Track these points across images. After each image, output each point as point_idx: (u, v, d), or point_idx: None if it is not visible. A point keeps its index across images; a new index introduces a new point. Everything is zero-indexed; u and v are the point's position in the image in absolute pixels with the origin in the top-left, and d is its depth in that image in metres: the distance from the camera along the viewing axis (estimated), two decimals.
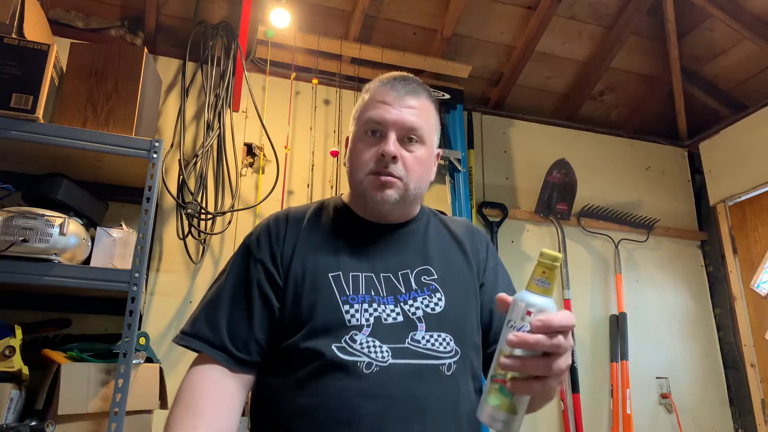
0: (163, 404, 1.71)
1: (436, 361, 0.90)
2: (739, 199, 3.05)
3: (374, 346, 0.89)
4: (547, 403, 0.95)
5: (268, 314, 0.95)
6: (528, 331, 0.67)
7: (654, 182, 3.24)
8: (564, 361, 0.69)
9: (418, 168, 0.99)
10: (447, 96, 2.80)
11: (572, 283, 2.83)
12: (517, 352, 0.67)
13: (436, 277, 0.99)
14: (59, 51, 1.83)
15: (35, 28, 1.88)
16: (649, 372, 2.85)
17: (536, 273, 0.69)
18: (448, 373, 0.91)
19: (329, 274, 0.95)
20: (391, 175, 0.96)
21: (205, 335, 0.95)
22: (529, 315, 0.67)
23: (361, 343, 0.88)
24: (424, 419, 0.86)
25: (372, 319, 0.91)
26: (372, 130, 0.98)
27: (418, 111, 0.99)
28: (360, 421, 0.84)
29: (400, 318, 0.92)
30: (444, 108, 2.83)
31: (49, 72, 1.71)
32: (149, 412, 1.66)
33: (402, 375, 0.87)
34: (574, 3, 2.83)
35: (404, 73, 1.06)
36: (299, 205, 1.11)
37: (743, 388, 2.89)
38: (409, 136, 0.98)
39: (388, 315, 0.92)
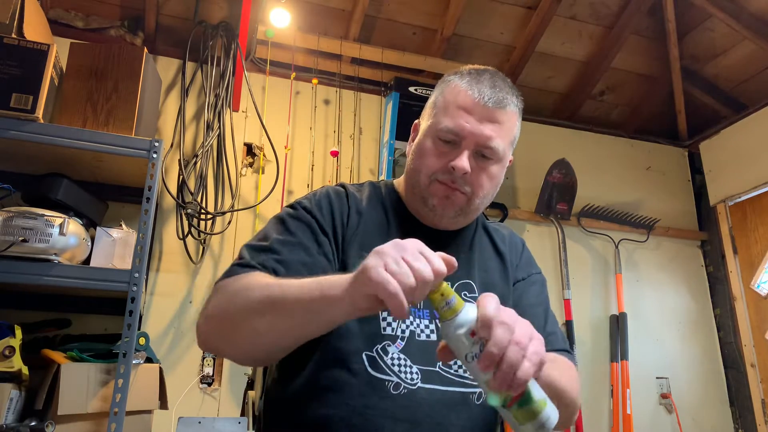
0: (163, 404, 1.71)
1: (465, 389, 0.87)
2: (739, 199, 3.05)
3: (405, 366, 0.85)
4: (570, 394, 0.85)
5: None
6: (483, 347, 0.63)
7: (654, 182, 3.24)
8: (528, 334, 0.64)
9: (487, 185, 0.93)
10: None
11: (572, 283, 2.83)
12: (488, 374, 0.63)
13: (476, 295, 0.94)
14: (59, 51, 1.83)
15: (35, 28, 1.88)
16: (649, 372, 2.84)
17: (439, 303, 0.65)
18: (477, 403, 0.88)
19: None
20: (458, 189, 0.91)
21: (264, 265, 0.83)
22: (473, 335, 0.64)
23: (392, 358, 0.85)
24: None
25: (407, 332, 0.87)
26: (447, 141, 0.91)
27: (500, 127, 0.92)
28: None
29: (434, 336, 0.88)
30: None
31: (49, 72, 1.71)
32: (149, 412, 1.66)
33: (430, 401, 0.84)
34: (574, 3, 2.83)
35: (496, 72, 0.98)
36: (348, 183, 1.04)
37: (743, 388, 2.89)
38: (483, 153, 0.92)
39: (422, 331, 0.88)
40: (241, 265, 0.83)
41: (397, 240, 0.66)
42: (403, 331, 0.87)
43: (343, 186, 0.99)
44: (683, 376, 2.90)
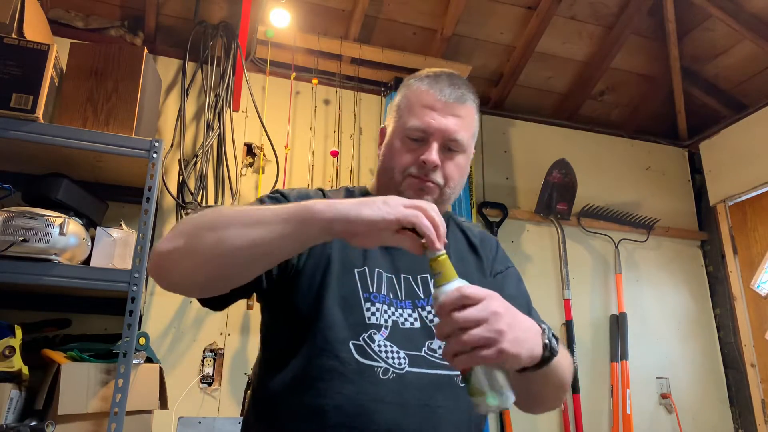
0: (163, 404, 1.71)
1: (451, 372, 0.90)
2: (739, 199, 3.05)
3: (392, 352, 0.88)
4: (554, 381, 0.87)
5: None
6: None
7: (654, 182, 3.24)
8: (485, 330, 0.68)
9: (455, 175, 0.99)
10: None
11: (572, 283, 2.83)
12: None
13: None
14: (59, 51, 1.83)
15: (35, 28, 1.88)
16: (649, 372, 2.85)
17: (435, 270, 0.74)
18: (462, 385, 0.89)
19: (356, 270, 0.93)
20: (430, 181, 0.96)
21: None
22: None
23: (379, 345, 0.87)
24: (438, 429, 0.86)
25: (390, 322, 0.90)
26: (415, 138, 0.97)
27: (462, 120, 0.98)
28: (373, 427, 0.82)
29: (417, 324, 0.92)
30: None
31: (49, 72, 1.71)
32: (149, 412, 1.66)
33: (418, 384, 0.87)
34: (574, 3, 2.83)
35: (452, 72, 1.03)
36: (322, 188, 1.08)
37: (743, 388, 2.89)
38: (450, 147, 0.98)
39: (405, 319, 0.92)
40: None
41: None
42: (386, 321, 0.90)
43: (320, 189, 1.04)
44: (683, 376, 2.90)
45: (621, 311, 2.83)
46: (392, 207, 0.73)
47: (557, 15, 2.82)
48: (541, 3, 2.75)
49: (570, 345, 2.72)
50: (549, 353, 0.77)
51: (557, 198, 2.90)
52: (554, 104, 3.24)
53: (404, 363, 0.87)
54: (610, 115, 3.33)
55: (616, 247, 3.00)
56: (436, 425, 0.86)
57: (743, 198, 3.02)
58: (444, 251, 0.74)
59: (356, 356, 0.86)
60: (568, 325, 2.75)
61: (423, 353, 0.90)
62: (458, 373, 0.87)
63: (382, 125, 1.07)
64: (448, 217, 1.09)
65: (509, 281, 1.08)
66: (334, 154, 2.55)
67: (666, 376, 2.87)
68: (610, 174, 3.17)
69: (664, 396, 2.82)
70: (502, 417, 2.51)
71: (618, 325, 2.81)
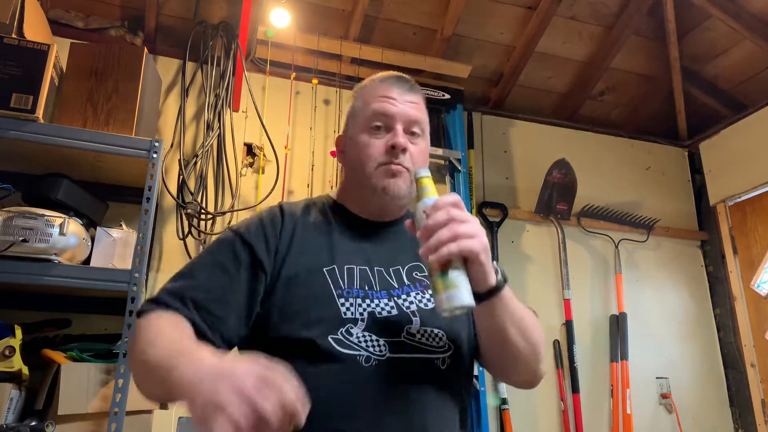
0: (163, 404, 1.71)
1: (431, 356, 0.92)
2: (739, 199, 3.05)
3: (371, 340, 0.89)
4: (518, 325, 0.92)
5: (249, 296, 0.91)
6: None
7: (654, 182, 3.24)
8: (466, 227, 0.80)
9: (420, 159, 1.01)
10: (447, 96, 2.80)
11: (572, 283, 2.83)
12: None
13: (426, 274, 1.00)
14: (59, 51, 1.83)
15: (35, 28, 1.88)
16: (649, 372, 2.85)
17: (419, 188, 0.87)
18: (443, 368, 0.93)
19: (324, 269, 0.95)
20: (401, 165, 0.98)
21: (170, 303, 0.87)
22: (425, 214, 0.83)
23: (357, 337, 0.89)
24: (423, 412, 0.87)
25: (366, 314, 0.91)
26: (377, 125, 1.01)
27: (418, 106, 1.04)
28: (361, 414, 0.84)
29: (395, 311, 0.94)
30: (444, 108, 2.83)
31: (49, 72, 1.72)
32: (149, 412, 1.66)
33: (400, 369, 0.88)
34: (574, 3, 2.83)
35: (398, 72, 1.08)
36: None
37: (743, 388, 2.89)
38: (412, 130, 1.01)
39: (382, 309, 0.93)
40: (151, 301, 0.89)
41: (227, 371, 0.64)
42: (361, 314, 0.91)
43: (278, 204, 1.06)
44: (683, 376, 2.90)
45: (621, 311, 2.83)
46: (232, 403, 0.60)
47: (557, 15, 2.82)
48: (541, 3, 2.75)
49: (570, 345, 2.72)
50: (502, 277, 0.86)
51: (557, 198, 2.90)
52: (554, 104, 3.24)
53: (385, 350, 0.89)
54: (610, 115, 3.33)
55: (616, 247, 3.00)
56: (422, 408, 0.87)
57: (743, 198, 3.02)
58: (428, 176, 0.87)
59: (337, 348, 0.87)
60: (568, 325, 2.75)
61: (402, 338, 0.91)
62: (438, 356, 0.92)
63: (338, 135, 1.11)
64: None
65: None
66: (334, 154, 2.54)
67: (666, 376, 2.87)
68: (610, 174, 3.17)
69: (664, 396, 2.82)
70: (501, 417, 2.51)
71: (618, 325, 2.81)
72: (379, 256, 1.00)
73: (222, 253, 0.95)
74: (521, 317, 0.92)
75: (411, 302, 0.96)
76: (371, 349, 0.88)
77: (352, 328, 0.89)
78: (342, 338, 0.88)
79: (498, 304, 0.86)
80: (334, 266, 0.95)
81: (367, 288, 0.95)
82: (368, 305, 0.93)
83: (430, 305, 0.96)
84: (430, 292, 0.98)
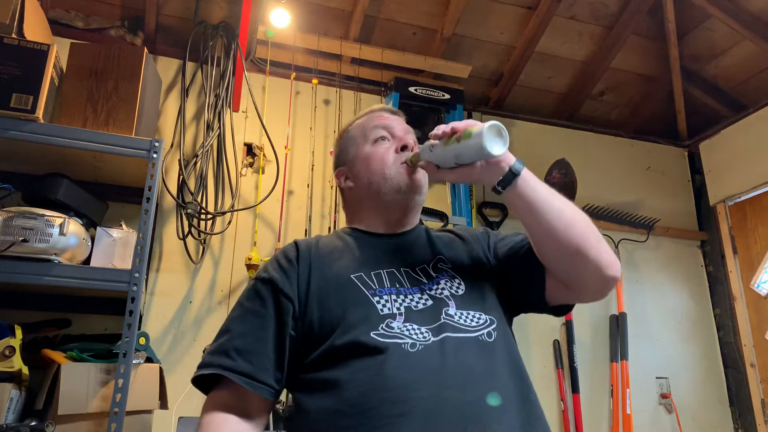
0: (163, 404, 1.71)
1: (473, 334, 0.93)
2: (739, 199, 3.05)
3: (413, 329, 0.90)
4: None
5: (281, 338, 0.95)
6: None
7: (654, 182, 3.24)
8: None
9: None
10: (447, 96, 2.80)
11: None
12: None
13: (450, 265, 1.04)
14: (59, 51, 1.83)
15: (35, 28, 1.88)
16: (649, 372, 2.85)
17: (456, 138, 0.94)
18: (490, 340, 0.94)
19: (352, 276, 0.97)
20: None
21: (222, 363, 0.93)
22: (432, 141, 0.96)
23: (399, 329, 0.90)
24: (479, 385, 0.87)
25: (402, 308, 0.93)
26: (381, 136, 1.09)
27: (408, 126, 1.14)
28: (416, 396, 0.84)
29: (430, 302, 0.95)
30: (444, 108, 2.83)
31: (49, 72, 1.72)
32: (149, 412, 1.66)
33: (447, 348, 0.89)
34: (574, 3, 2.83)
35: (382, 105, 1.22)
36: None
37: (743, 388, 2.89)
38: (407, 144, 1.09)
39: (417, 302, 0.95)
40: (201, 366, 0.97)
41: None
42: (398, 308, 0.93)
43: (294, 241, 1.08)
44: (683, 376, 2.90)
45: (621, 311, 2.83)
46: None
47: (557, 15, 2.82)
48: (541, 3, 2.75)
49: (570, 345, 2.72)
50: (518, 162, 0.93)
51: None
52: (554, 104, 3.24)
53: (428, 335, 0.90)
54: (610, 115, 3.33)
55: (616, 247, 3.00)
56: (478, 381, 0.87)
57: (743, 198, 3.02)
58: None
59: (382, 340, 0.88)
60: (568, 325, 2.75)
61: (442, 320, 0.93)
62: (481, 332, 0.94)
63: (336, 170, 1.17)
64: (423, 227, 1.14)
65: (500, 236, 1.14)
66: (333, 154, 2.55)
67: (666, 376, 2.87)
68: (610, 174, 3.17)
69: (663, 396, 2.82)
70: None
71: (618, 325, 2.81)
72: (403, 260, 1.02)
73: (249, 301, 0.99)
74: (559, 208, 0.94)
75: (443, 288, 0.98)
76: (414, 336, 0.89)
77: (391, 322, 0.91)
78: (384, 332, 0.90)
79: (524, 186, 0.92)
80: (361, 273, 0.98)
81: (398, 285, 0.97)
82: (403, 300, 0.95)
83: (461, 292, 0.98)
84: (456, 281, 1.00)
